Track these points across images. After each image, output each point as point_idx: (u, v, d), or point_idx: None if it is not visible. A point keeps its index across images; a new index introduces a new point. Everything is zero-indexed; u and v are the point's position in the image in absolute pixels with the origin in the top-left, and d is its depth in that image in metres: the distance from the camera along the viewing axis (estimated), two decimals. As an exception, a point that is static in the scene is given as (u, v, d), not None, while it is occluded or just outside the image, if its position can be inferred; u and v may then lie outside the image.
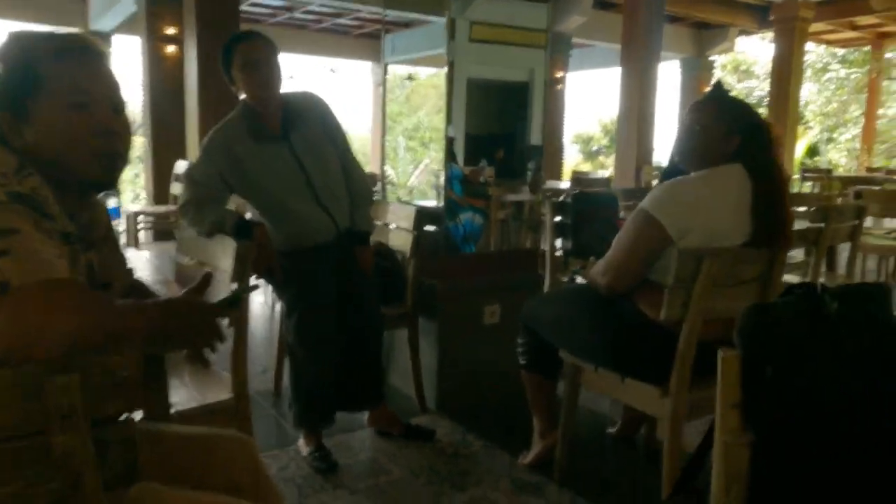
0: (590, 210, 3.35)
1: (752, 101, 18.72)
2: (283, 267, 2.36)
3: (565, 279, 3.30)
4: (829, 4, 9.94)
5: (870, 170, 10.50)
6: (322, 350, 2.39)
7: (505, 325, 2.89)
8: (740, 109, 2.02)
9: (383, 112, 11.85)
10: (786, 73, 10.02)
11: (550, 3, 4.14)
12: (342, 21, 10.90)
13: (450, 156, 4.23)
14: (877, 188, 5.97)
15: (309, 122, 2.40)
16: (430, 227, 3.10)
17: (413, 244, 2.67)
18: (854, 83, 15.83)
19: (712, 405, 1.02)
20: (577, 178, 7.56)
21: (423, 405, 2.85)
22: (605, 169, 19.16)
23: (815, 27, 10.49)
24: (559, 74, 9.93)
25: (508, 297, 2.99)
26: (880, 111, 13.89)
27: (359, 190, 2.47)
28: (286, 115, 2.38)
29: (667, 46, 8.83)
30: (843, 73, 15.89)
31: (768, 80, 18.82)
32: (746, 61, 18.40)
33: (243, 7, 10.03)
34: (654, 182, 9.01)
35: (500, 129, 10.36)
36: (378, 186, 8.89)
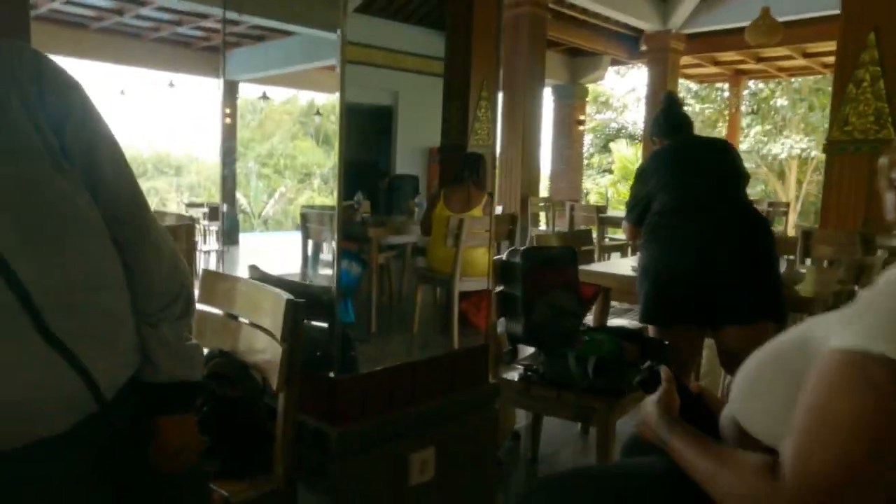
0: (544, 271, 2.34)
1: (609, 132, 19.09)
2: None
3: (510, 376, 2.24)
4: (697, 38, 9.88)
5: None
6: None
7: (444, 482, 1.78)
8: None
9: (223, 134, 10.26)
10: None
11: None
12: (183, 31, 9.34)
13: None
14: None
15: (17, 138, 0.94)
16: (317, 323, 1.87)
17: (284, 363, 1.47)
18: (707, 118, 16.43)
19: None
20: None
21: None
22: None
23: (682, 61, 10.43)
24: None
25: (449, 433, 1.88)
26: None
27: (155, 290, 1.08)
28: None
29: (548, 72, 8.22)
30: (698, 108, 16.44)
31: (625, 112, 19.41)
32: (605, 93, 18.69)
33: (57, 6, 8.25)
34: (543, 214, 8.33)
35: (366, 156, 8.98)
36: (215, 226, 7.40)
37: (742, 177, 2.48)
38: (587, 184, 17.14)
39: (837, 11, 5.38)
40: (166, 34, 9.47)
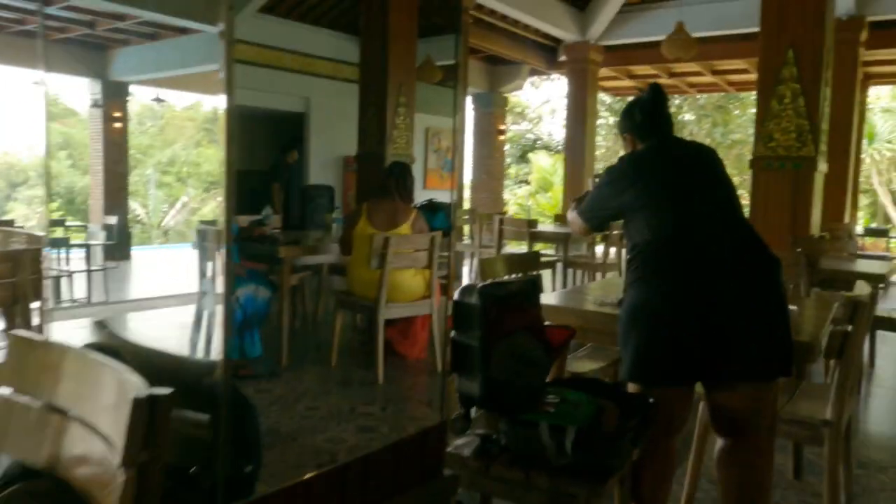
0: (503, 312, 1.81)
1: (525, 143, 19.13)
2: None
3: (462, 447, 1.78)
4: (614, 51, 9.88)
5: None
6: None
7: None
8: None
9: (105, 142, 9.31)
10: (581, 115, 9.72)
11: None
12: (50, 23, 8.38)
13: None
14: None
15: None
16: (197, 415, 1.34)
17: (128, 496, 0.90)
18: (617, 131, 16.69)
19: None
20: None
21: None
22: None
23: (600, 73, 10.43)
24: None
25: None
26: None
27: None
28: None
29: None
30: (612, 120, 16.66)
31: (540, 124, 19.51)
32: (521, 104, 18.71)
33: None
34: (467, 227, 7.96)
35: (269, 165, 8.37)
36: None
37: (736, 198, 2.03)
38: (505, 195, 17.07)
39: (747, 30, 5.37)
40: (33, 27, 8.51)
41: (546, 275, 6.17)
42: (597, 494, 1.60)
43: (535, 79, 15.31)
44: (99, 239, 6.12)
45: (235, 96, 1.26)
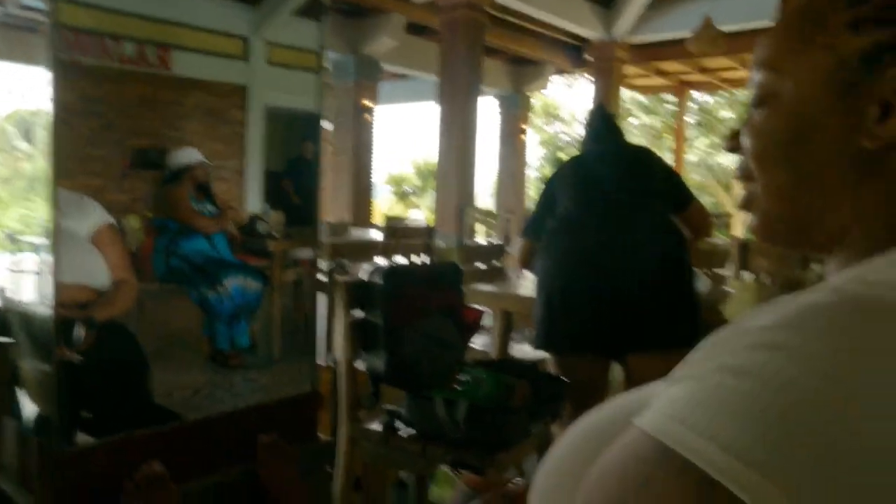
0: (414, 295, 1.97)
1: (560, 144, 18.99)
2: None
3: (374, 426, 1.86)
4: (641, 48, 9.74)
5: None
6: None
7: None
8: None
9: None
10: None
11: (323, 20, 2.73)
12: None
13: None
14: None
15: None
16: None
17: None
18: (653, 131, 16.43)
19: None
20: (391, 226, 6.24)
21: None
22: (418, 209, 18.27)
23: (627, 71, 10.29)
24: (367, 103, 8.67)
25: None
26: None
27: None
28: None
29: (484, 81, 7.94)
30: (647, 120, 16.43)
31: (574, 125, 19.33)
32: (554, 104, 18.60)
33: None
34: (477, 225, 7.98)
35: (285, 164, 8.34)
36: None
37: (660, 190, 2.22)
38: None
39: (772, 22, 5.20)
40: None
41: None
42: (488, 465, 1.67)
43: (569, 78, 15.21)
44: None
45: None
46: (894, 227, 0.54)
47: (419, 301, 1.90)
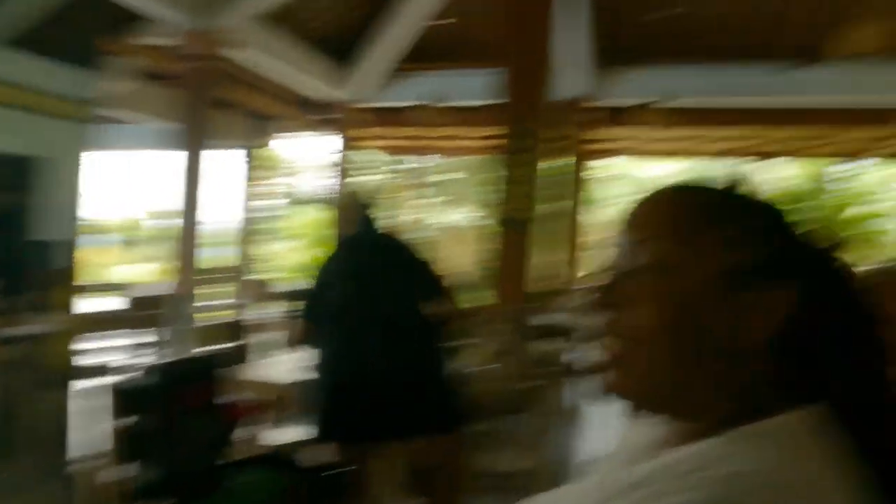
0: (183, 391, 1.80)
1: (292, 197, 18.88)
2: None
3: None
4: (376, 112, 10.16)
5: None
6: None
7: None
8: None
9: None
10: (344, 173, 9.85)
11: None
12: None
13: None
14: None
15: None
16: None
17: None
18: (392, 189, 17.20)
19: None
20: (137, 299, 5.51)
21: None
22: (149, 263, 16.72)
23: (368, 132, 10.67)
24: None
25: None
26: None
27: None
28: None
29: (221, 132, 7.68)
30: (387, 177, 17.09)
31: (306, 178, 19.34)
32: (284, 159, 18.55)
33: None
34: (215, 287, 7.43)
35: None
36: None
37: (405, 275, 2.40)
38: (275, 248, 16.63)
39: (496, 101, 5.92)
40: None
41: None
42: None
43: (299, 133, 15.21)
44: None
45: None
46: (740, 411, 0.60)
47: (186, 398, 1.75)
